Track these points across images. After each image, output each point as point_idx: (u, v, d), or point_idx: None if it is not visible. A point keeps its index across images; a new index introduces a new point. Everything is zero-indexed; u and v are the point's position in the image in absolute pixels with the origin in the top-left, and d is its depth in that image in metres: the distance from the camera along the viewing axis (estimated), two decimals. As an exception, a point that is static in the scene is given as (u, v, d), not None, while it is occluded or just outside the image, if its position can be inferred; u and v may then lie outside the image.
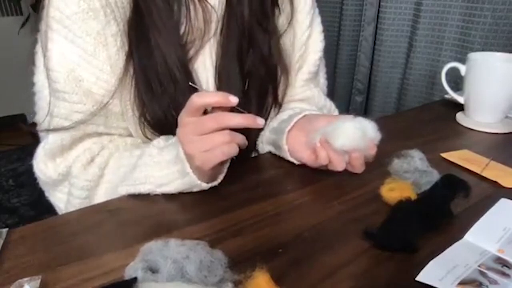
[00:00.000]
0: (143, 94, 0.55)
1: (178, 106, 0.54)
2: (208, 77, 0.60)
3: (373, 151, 0.52)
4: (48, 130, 0.56)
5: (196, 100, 0.46)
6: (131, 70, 0.55)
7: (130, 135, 0.61)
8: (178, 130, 0.49)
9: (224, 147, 0.47)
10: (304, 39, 0.71)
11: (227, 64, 0.60)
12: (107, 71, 0.54)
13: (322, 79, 0.81)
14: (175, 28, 0.55)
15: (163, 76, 0.54)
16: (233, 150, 0.48)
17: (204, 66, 0.60)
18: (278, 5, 0.65)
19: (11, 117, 2.77)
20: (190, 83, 0.52)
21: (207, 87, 0.60)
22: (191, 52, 0.58)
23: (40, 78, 0.55)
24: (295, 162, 0.59)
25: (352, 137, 0.50)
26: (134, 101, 0.56)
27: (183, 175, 0.50)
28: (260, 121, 0.48)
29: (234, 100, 0.46)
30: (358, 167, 0.53)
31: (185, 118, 0.48)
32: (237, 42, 0.60)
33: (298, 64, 0.72)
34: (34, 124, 0.59)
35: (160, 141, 0.54)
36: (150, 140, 0.59)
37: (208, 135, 0.47)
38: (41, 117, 0.57)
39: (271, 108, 0.67)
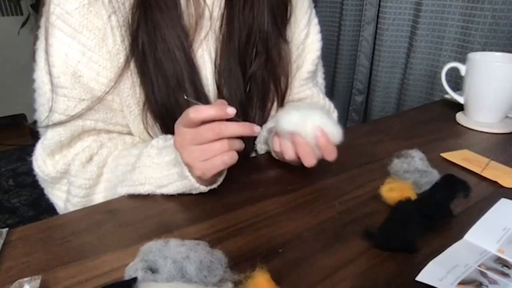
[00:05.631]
0: (152, 75, 0.55)
1: (179, 87, 0.55)
2: (207, 74, 0.60)
3: (320, 140, 0.51)
4: (47, 126, 0.56)
5: (192, 116, 0.46)
6: (132, 65, 0.55)
7: (130, 133, 0.61)
8: (175, 139, 0.49)
9: (224, 156, 0.47)
10: (301, 38, 0.71)
11: (228, 63, 0.60)
12: (107, 67, 0.55)
13: (321, 79, 0.81)
14: (176, 10, 0.55)
15: (164, 56, 0.55)
16: (233, 158, 0.48)
17: (203, 61, 0.60)
18: (287, 11, 0.65)
19: (11, 117, 2.77)
20: (186, 97, 0.52)
21: (207, 83, 0.60)
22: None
23: (40, 74, 0.56)
24: (279, 159, 0.60)
25: (289, 121, 0.51)
26: (139, 88, 0.57)
27: (182, 178, 0.50)
28: (256, 129, 0.49)
29: (231, 111, 0.46)
30: (304, 156, 0.52)
31: (181, 128, 0.48)
32: (239, 41, 0.60)
33: (296, 64, 0.72)
34: (35, 123, 0.59)
35: (159, 141, 0.54)
36: (150, 136, 0.59)
37: (206, 144, 0.47)
38: (41, 114, 0.57)
39: (271, 108, 0.67)
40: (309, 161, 0.52)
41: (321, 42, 0.74)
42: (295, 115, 0.52)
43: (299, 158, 0.53)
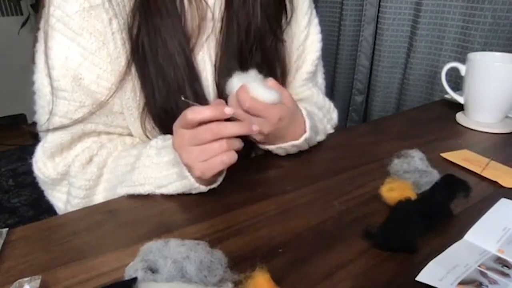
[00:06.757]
0: (152, 79, 0.55)
1: (180, 92, 0.54)
2: (208, 76, 0.60)
3: (240, 95, 0.52)
4: (48, 130, 0.56)
5: (190, 117, 0.46)
6: (133, 68, 0.55)
7: (130, 134, 0.61)
8: (174, 140, 0.49)
9: (223, 156, 0.47)
10: (302, 39, 0.71)
11: (227, 64, 0.60)
12: (108, 70, 0.54)
13: (321, 79, 0.81)
14: (177, 16, 0.55)
15: (164, 61, 0.55)
16: (232, 158, 0.48)
17: (204, 63, 0.60)
18: (286, 12, 0.65)
19: (11, 117, 2.77)
20: (183, 98, 0.52)
21: (207, 85, 0.60)
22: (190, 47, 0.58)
23: (39, 76, 0.56)
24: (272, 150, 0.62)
25: (229, 84, 0.56)
26: (140, 91, 0.57)
27: (182, 178, 0.50)
28: (255, 128, 0.49)
29: (228, 111, 0.46)
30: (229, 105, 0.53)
31: (180, 129, 0.48)
32: (238, 43, 0.60)
33: (296, 64, 0.72)
34: (35, 124, 0.59)
35: (158, 141, 0.55)
36: (149, 138, 0.59)
37: (205, 145, 0.47)
38: (41, 116, 0.57)
39: None
40: (226, 109, 0.50)
41: (321, 42, 0.74)
42: (234, 79, 0.55)
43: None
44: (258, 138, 0.57)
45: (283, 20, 0.66)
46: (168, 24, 0.54)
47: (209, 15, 0.59)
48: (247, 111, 0.52)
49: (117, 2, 0.53)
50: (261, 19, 0.60)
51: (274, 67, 0.65)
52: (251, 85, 0.53)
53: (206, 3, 0.58)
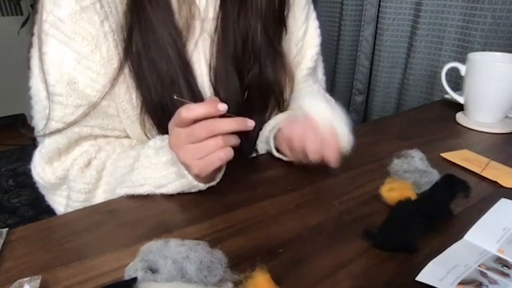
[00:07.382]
0: (147, 76, 0.55)
1: (173, 86, 0.54)
2: (203, 75, 0.60)
3: (327, 133, 0.53)
4: (45, 135, 0.56)
5: (184, 115, 0.46)
6: (126, 70, 0.55)
7: (127, 137, 0.61)
8: (170, 139, 0.49)
9: (220, 152, 0.47)
10: (300, 34, 0.71)
11: (224, 65, 0.60)
12: (101, 72, 0.54)
13: (321, 75, 0.81)
14: (168, 9, 0.55)
15: (157, 55, 0.54)
16: (229, 154, 0.48)
17: (199, 62, 0.60)
18: (285, 25, 0.65)
19: (11, 117, 2.77)
20: (176, 97, 0.52)
21: (202, 85, 0.60)
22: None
23: (35, 81, 0.55)
24: (282, 158, 0.61)
25: (317, 108, 0.57)
26: (135, 91, 0.56)
27: (181, 177, 0.50)
28: (250, 123, 0.48)
29: (222, 107, 0.46)
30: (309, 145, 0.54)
31: (175, 128, 0.48)
32: (234, 48, 0.59)
33: (296, 60, 0.72)
34: (32, 128, 0.59)
35: (156, 141, 0.54)
36: (148, 138, 0.59)
37: (201, 142, 0.47)
38: (38, 121, 0.57)
39: (271, 113, 0.67)
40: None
41: (320, 37, 0.74)
42: (320, 104, 0.57)
43: (302, 152, 0.54)
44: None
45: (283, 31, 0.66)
46: (159, 16, 0.54)
47: (197, 14, 0.58)
48: (319, 142, 0.53)
49: (108, 3, 0.53)
50: (259, 31, 0.60)
51: (271, 78, 0.65)
52: (339, 132, 0.54)
53: (195, 2, 0.58)
